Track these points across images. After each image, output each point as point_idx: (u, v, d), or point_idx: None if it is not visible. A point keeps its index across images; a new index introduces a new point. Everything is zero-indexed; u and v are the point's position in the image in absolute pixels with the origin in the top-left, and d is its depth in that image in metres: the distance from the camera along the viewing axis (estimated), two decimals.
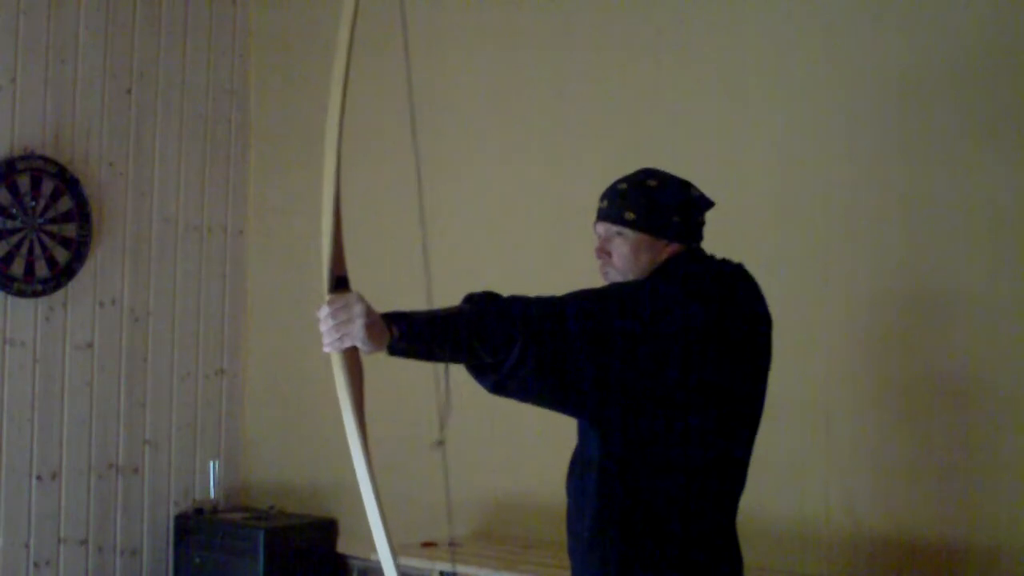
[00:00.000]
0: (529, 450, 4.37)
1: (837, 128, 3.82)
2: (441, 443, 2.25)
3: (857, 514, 3.71)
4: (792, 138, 3.91)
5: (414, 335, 2.09)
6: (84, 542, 4.90)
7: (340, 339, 2.06)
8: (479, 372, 2.19)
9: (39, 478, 4.76)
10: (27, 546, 4.72)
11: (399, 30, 2.50)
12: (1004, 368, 3.50)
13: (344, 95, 2.28)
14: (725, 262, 2.51)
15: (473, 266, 4.65)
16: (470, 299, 2.19)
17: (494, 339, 2.11)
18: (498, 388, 2.19)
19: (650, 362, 2.22)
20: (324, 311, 2.08)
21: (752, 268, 3.90)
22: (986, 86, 3.55)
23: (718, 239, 3.98)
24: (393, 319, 2.09)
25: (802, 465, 3.80)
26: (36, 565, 4.74)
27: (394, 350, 2.10)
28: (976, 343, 3.56)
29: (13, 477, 4.68)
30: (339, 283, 2.17)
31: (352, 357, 2.13)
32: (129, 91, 5.09)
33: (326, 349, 2.10)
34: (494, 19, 4.72)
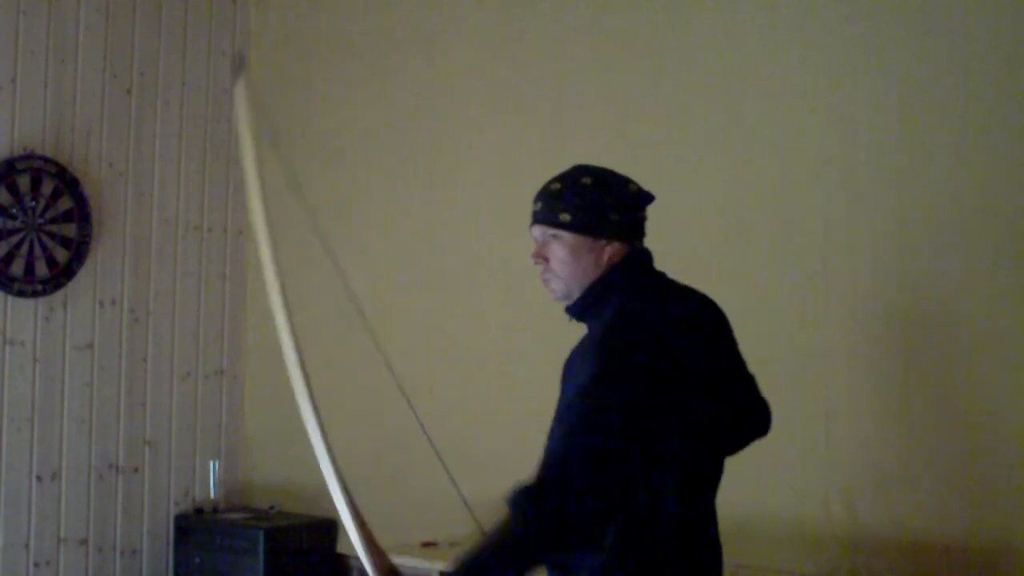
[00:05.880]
0: (529, 450, 4.36)
1: (836, 135, 3.81)
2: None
3: (857, 514, 3.71)
4: (791, 146, 3.91)
5: None
6: (84, 542, 4.90)
7: None
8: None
9: (39, 478, 4.76)
10: (27, 546, 4.72)
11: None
12: (1003, 370, 3.50)
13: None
14: (668, 289, 2.43)
15: (474, 265, 4.65)
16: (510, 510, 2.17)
17: (549, 541, 2.11)
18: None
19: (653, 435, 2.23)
20: None
21: (754, 273, 3.93)
22: (987, 100, 3.55)
23: (720, 244, 4.01)
24: None
25: (802, 465, 3.80)
26: (36, 565, 4.74)
27: None
28: (975, 347, 3.56)
29: (13, 477, 4.68)
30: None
31: None
32: (129, 91, 5.09)
33: None
34: (494, 19, 4.71)
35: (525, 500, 2.13)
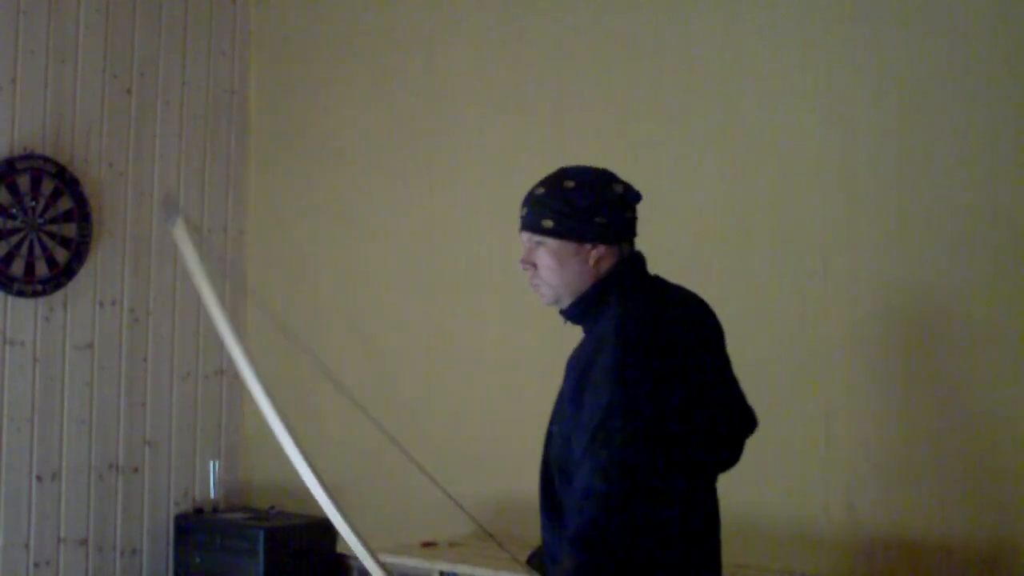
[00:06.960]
0: (529, 450, 4.36)
1: (836, 135, 3.81)
2: None
3: (857, 514, 3.71)
4: (791, 147, 3.91)
5: None
6: (84, 542, 4.90)
7: None
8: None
9: (39, 478, 4.76)
10: (27, 546, 4.72)
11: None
12: (1003, 370, 3.50)
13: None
14: (665, 291, 2.42)
15: (474, 265, 4.65)
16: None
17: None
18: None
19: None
20: None
21: (754, 273, 3.93)
22: (987, 102, 3.55)
23: (720, 244, 4.01)
24: None
25: (802, 465, 3.80)
26: (36, 565, 4.74)
27: None
28: (975, 347, 3.56)
29: (13, 477, 4.68)
30: None
31: None
32: (129, 91, 5.09)
33: None
34: (494, 19, 4.71)
35: (580, 552, 2.17)
